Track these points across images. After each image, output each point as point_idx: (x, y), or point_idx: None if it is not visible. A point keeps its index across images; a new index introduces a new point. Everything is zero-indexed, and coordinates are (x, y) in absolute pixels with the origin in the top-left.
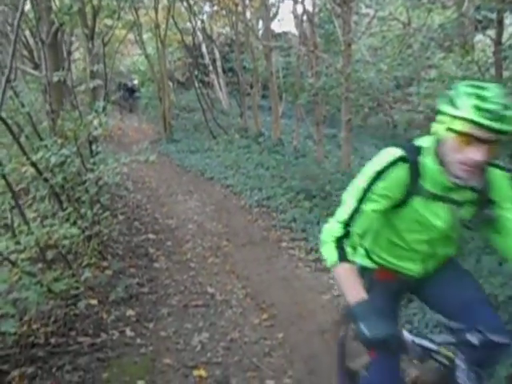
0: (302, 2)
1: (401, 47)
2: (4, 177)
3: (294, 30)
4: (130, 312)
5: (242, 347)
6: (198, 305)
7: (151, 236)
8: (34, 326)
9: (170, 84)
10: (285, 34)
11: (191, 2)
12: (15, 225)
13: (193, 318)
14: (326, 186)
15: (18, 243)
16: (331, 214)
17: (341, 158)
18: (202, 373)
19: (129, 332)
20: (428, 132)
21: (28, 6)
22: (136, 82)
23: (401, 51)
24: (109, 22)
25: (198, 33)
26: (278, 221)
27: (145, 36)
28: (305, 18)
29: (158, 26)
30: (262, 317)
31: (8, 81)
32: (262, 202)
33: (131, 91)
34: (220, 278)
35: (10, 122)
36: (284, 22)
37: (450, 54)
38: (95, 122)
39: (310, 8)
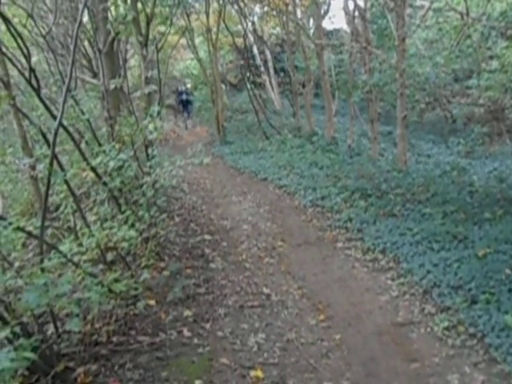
0: None
1: (459, 39)
2: (66, 182)
3: (346, 27)
4: (187, 312)
5: (298, 348)
6: (254, 305)
7: (207, 237)
8: (97, 325)
9: (223, 86)
10: (336, 31)
11: (242, 5)
12: (77, 228)
13: (249, 319)
14: (382, 185)
15: (80, 245)
16: (388, 214)
17: (397, 156)
18: (259, 373)
19: (186, 332)
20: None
21: (86, 18)
22: (189, 85)
23: (459, 43)
24: (162, 28)
25: (249, 34)
26: (333, 221)
27: (197, 40)
28: (356, 13)
29: (209, 30)
30: (318, 318)
31: (69, 90)
32: (317, 202)
33: (186, 102)
34: (275, 279)
35: (71, 129)
36: (335, 20)
37: None
38: (150, 127)
39: (361, 3)
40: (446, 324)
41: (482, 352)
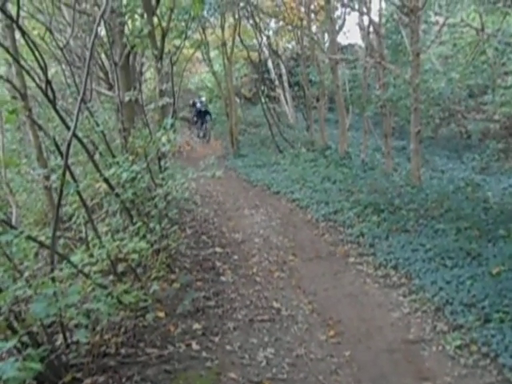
0: (368, 14)
1: (474, 54)
2: (78, 193)
3: (361, 42)
4: (196, 325)
5: (307, 364)
6: (264, 319)
7: (218, 250)
8: (106, 337)
9: (237, 100)
10: (351, 46)
11: (257, 19)
12: (89, 238)
13: (258, 333)
14: (395, 200)
15: (91, 256)
16: (400, 229)
17: (410, 171)
18: None
19: (195, 345)
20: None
21: (103, 31)
22: (204, 98)
23: (474, 58)
24: (177, 42)
25: (264, 49)
26: (345, 235)
27: (212, 54)
28: (371, 29)
29: (224, 44)
30: (328, 333)
31: (83, 101)
32: (329, 217)
33: (205, 112)
34: (286, 293)
35: (85, 140)
36: (350, 35)
37: None
38: (163, 139)
39: (376, 19)
40: (458, 342)
41: (495, 372)
